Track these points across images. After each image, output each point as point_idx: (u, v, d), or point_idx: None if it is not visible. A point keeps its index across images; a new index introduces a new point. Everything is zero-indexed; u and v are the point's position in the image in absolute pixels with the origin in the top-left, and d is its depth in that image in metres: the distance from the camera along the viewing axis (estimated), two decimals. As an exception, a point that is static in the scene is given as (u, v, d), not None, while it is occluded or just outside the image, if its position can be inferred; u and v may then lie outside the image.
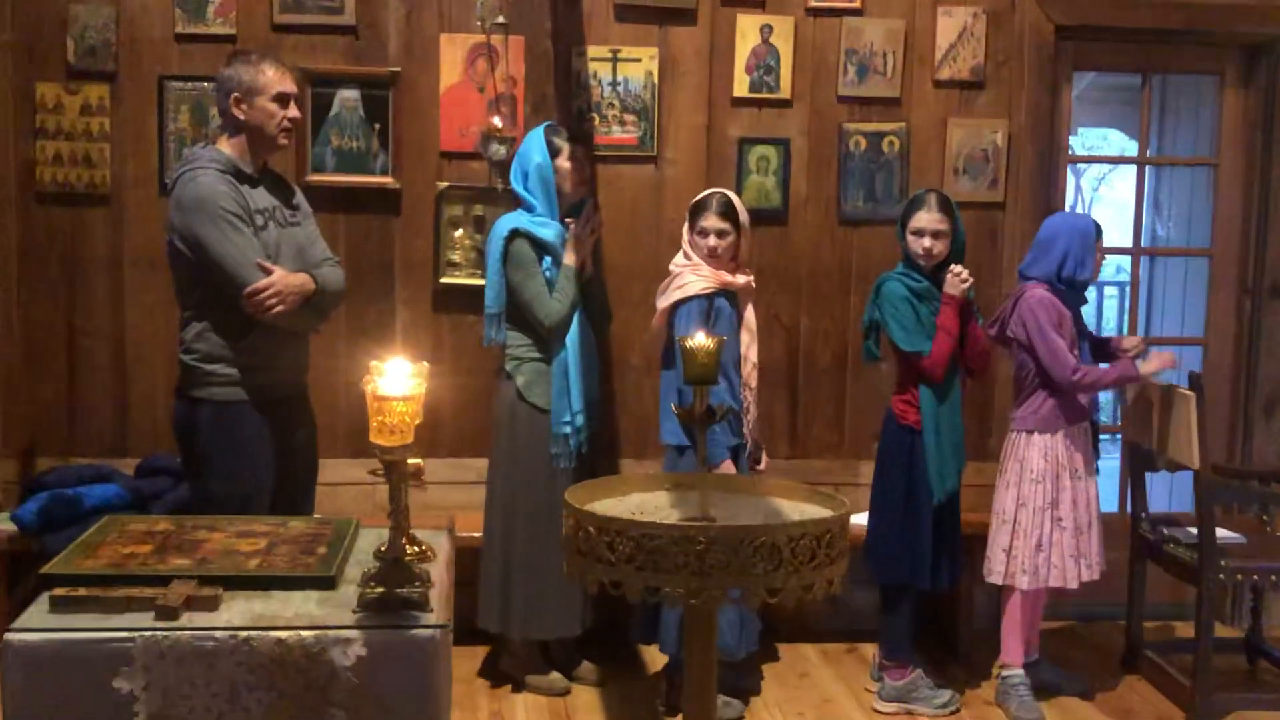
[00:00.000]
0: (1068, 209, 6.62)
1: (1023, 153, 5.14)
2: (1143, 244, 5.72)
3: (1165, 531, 4.67)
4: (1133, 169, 5.97)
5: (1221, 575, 4.32)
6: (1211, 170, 5.57)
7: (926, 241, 4.30)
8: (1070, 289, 4.41)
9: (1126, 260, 5.96)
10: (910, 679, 4.46)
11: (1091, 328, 5.23)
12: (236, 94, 3.70)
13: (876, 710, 4.46)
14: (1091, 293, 4.98)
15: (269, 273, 3.59)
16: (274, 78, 3.71)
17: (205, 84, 4.73)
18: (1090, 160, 10.15)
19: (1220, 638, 4.57)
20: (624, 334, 4.96)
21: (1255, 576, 4.38)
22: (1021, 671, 4.50)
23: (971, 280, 4.34)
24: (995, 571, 4.47)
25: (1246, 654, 4.91)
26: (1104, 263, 4.64)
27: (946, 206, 4.33)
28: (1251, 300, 5.41)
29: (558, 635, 4.51)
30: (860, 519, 4.54)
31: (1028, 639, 4.61)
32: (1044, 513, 4.37)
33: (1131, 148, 6.48)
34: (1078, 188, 10.88)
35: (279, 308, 3.60)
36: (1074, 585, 4.40)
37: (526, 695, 4.51)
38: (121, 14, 4.75)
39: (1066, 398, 4.38)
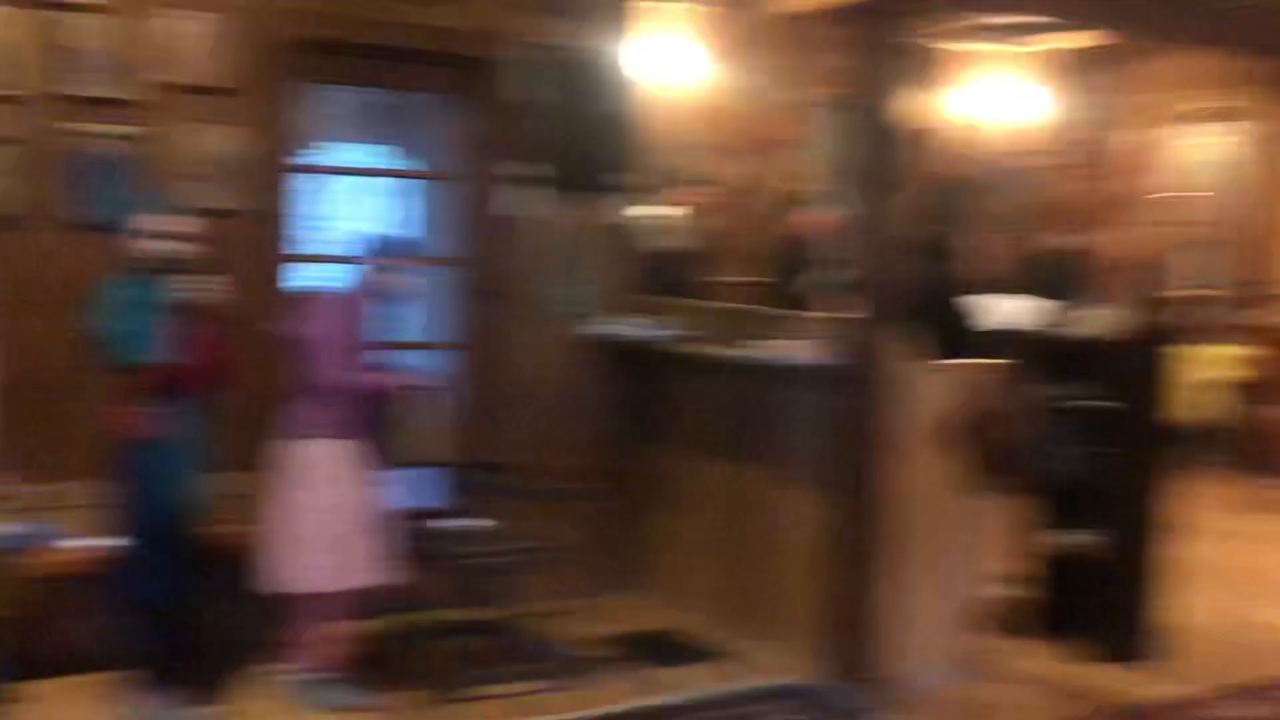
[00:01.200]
0: (321, 221, 6.73)
1: (260, 162, 5.15)
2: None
3: (423, 525, 4.87)
4: (390, 181, 6.21)
5: (467, 560, 4.59)
6: (448, 182, 5.91)
7: (157, 246, 4.21)
8: (372, 301, 4.51)
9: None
10: (165, 701, 4.32)
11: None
12: None
13: (130, 740, 4.25)
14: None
15: None
16: None
17: None
18: (328, 171, 10.24)
19: (471, 620, 4.86)
20: None
21: (499, 559, 4.71)
22: (320, 669, 4.55)
23: (212, 290, 4.27)
24: (288, 579, 4.43)
25: (492, 634, 5.21)
26: (404, 276, 4.68)
27: (179, 211, 4.28)
28: (488, 304, 5.82)
29: None
30: (104, 542, 4.33)
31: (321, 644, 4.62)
32: (328, 516, 4.41)
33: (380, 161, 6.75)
34: (330, 199, 11.00)
35: None
36: (357, 585, 4.48)
37: None
38: None
39: (342, 409, 4.44)
